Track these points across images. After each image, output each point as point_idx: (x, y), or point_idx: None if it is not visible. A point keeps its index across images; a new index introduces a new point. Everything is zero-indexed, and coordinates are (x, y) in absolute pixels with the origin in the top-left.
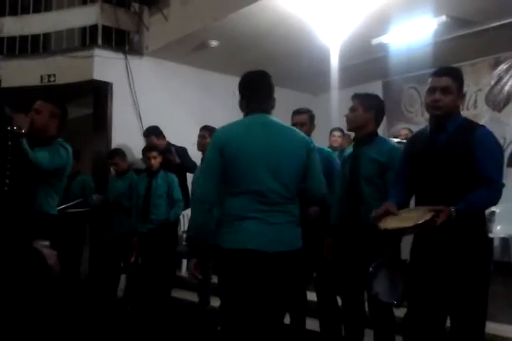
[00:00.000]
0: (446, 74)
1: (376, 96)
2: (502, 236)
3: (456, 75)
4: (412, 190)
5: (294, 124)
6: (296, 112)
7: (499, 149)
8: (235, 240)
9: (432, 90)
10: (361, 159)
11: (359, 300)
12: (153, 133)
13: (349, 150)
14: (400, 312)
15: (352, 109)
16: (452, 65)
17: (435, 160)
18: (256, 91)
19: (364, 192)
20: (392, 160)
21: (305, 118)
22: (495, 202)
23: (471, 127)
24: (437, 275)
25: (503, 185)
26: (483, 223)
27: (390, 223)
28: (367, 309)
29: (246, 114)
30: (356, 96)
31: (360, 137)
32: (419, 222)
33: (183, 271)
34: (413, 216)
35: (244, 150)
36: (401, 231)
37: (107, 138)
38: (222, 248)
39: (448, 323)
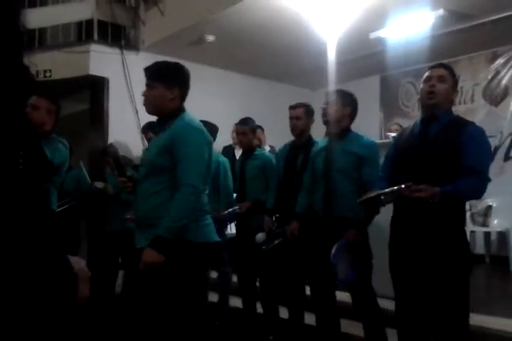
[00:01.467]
0: (442, 66)
1: (352, 94)
2: (499, 230)
3: (452, 70)
4: (393, 182)
5: (290, 118)
6: (292, 107)
7: (488, 146)
8: (205, 234)
9: (427, 79)
10: (337, 153)
11: (330, 291)
12: (150, 128)
13: (320, 144)
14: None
15: (330, 104)
16: (450, 59)
17: (424, 151)
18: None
19: (338, 185)
20: (371, 154)
21: (300, 113)
22: (480, 194)
23: (464, 123)
24: (416, 266)
25: (489, 180)
26: (463, 217)
27: (366, 195)
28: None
29: (180, 109)
30: (336, 92)
31: (335, 131)
32: (395, 188)
33: None
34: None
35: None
36: (376, 200)
37: (104, 134)
38: (193, 242)
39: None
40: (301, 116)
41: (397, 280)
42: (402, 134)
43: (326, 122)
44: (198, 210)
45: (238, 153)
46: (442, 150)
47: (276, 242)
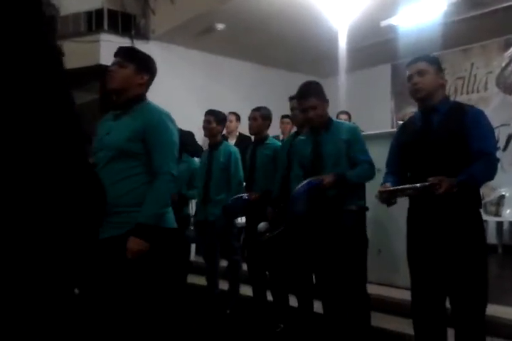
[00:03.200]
0: (418, 60)
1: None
2: (510, 220)
3: (431, 59)
4: (405, 178)
5: (291, 109)
6: (292, 97)
7: (491, 126)
8: (171, 220)
9: (409, 78)
10: (324, 144)
11: (328, 278)
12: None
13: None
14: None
15: (312, 107)
16: (462, 47)
17: (430, 141)
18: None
19: (328, 171)
20: (355, 136)
21: (313, 103)
22: (492, 176)
23: (463, 108)
24: (434, 253)
25: (498, 159)
26: (479, 202)
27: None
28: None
29: (143, 97)
30: (312, 95)
31: (318, 125)
32: (418, 185)
33: (192, 256)
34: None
35: None
36: (397, 192)
37: None
38: (167, 227)
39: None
40: (315, 106)
41: (415, 269)
42: (403, 129)
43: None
44: None
45: (231, 142)
46: (449, 139)
47: (279, 230)
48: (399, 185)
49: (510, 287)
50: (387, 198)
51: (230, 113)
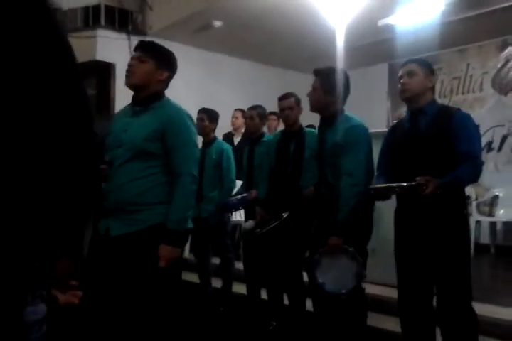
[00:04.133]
0: (410, 61)
1: (336, 73)
2: (504, 220)
3: (422, 61)
4: (395, 179)
5: (282, 110)
6: (283, 97)
7: (477, 129)
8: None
9: (400, 78)
10: (326, 144)
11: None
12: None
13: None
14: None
15: (313, 88)
16: (459, 47)
17: (418, 142)
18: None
19: (329, 178)
20: (348, 139)
21: (292, 103)
22: (476, 178)
23: (450, 111)
24: (420, 250)
25: (482, 162)
26: (464, 202)
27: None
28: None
29: (163, 94)
30: (317, 73)
31: (323, 119)
32: (405, 184)
33: (186, 253)
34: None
35: None
36: (386, 190)
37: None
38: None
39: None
40: (293, 106)
41: (401, 268)
42: (392, 131)
43: (312, 110)
44: None
45: (237, 140)
46: (436, 140)
47: (271, 226)
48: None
49: (503, 287)
50: (379, 195)
51: (236, 109)
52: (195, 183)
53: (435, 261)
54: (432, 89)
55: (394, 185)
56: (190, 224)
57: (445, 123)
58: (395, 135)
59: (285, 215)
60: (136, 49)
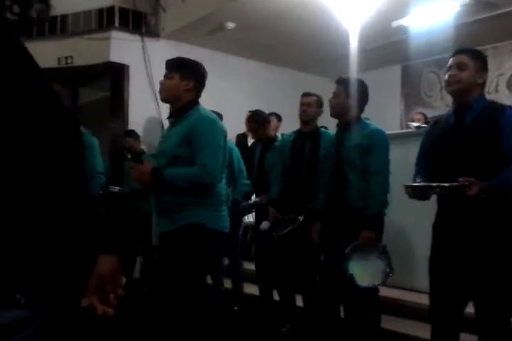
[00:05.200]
0: (462, 52)
1: (360, 82)
2: None
3: (474, 54)
4: (434, 176)
5: (301, 105)
6: (305, 94)
7: None
8: (222, 224)
9: (448, 69)
10: (345, 145)
11: (339, 280)
12: None
13: (333, 136)
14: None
15: (334, 95)
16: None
17: (461, 138)
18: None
19: (348, 176)
20: (373, 142)
21: (311, 100)
22: None
23: (500, 108)
24: (460, 260)
25: None
26: (511, 205)
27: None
28: None
29: (194, 102)
30: (339, 82)
31: (342, 123)
32: (446, 184)
33: None
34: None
35: None
36: (424, 190)
37: (124, 121)
38: (210, 229)
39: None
40: (312, 103)
41: (437, 275)
42: (435, 125)
43: (332, 115)
44: (215, 199)
45: (251, 141)
46: (481, 138)
47: (287, 230)
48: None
49: None
50: (416, 194)
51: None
52: (207, 177)
53: (478, 268)
54: (483, 85)
55: (434, 184)
56: (223, 229)
57: (493, 121)
58: (437, 130)
59: (301, 218)
60: (165, 67)
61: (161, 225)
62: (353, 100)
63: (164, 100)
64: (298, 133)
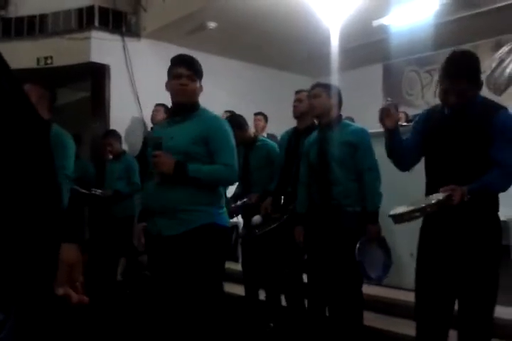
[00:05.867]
0: (461, 74)
1: (334, 85)
2: (502, 219)
3: (470, 63)
4: (418, 156)
5: (293, 102)
6: (298, 91)
7: None
8: (226, 219)
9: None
10: (330, 143)
11: (325, 278)
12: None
13: (312, 136)
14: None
15: (314, 96)
16: (454, 48)
17: (452, 140)
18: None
19: (336, 174)
20: (362, 139)
21: (302, 96)
22: (506, 187)
23: (494, 107)
24: (447, 259)
25: None
26: (496, 206)
27: (398, 209)
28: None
29: (198, 103)
30: (318, 85)
31: (324, 123)
32: (433, 202)
33: None
34: (424, 200)
35: None
36: (415, 213)
37: (105, 121)
38: (223, 226)
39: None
40: (302, 99)
41: (424, 273)
42: (427, 118)
43: (314, 116)
44: (221, 196)
45: None
46: (470, 141)
47: (270, 228)
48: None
49: (500, 286)
50: (405, 220)
51: (257, 114)
52: (232, 176)
53: (465, 266)
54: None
55: (423, 206)
56: (227, 223)
57: (485, 122)
58: (430, 123)
59: (285, 217)
60: (180, 64)
61: (169, 227)
62: (334, 100)
63: (181, 101)
64: (294, 131)
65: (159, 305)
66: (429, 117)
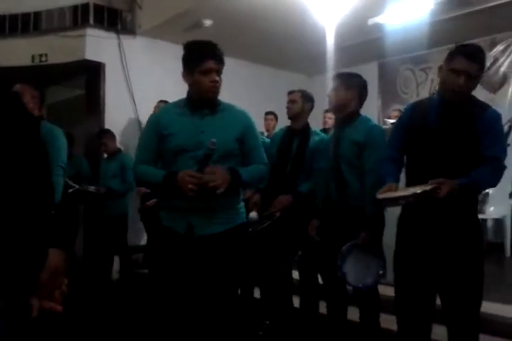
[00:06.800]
0: (477, 59)
1: (358, 76)
2: (495, 217)
3: (483, 62)
4: (402, 164)
5: (286, 103)
6: (290, 92)
7: (503, 131)
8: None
9: (459, 73)
10: (342, 141)
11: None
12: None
13: (332, 131)
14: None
15: (333, 89)
16: (448, 46)
17: (440, 137)
18: None
19: (345, 174)
20: (370, 138)
21: (295, 96)
22: (495, 183)
23: (482, 106)
24: (426, 253)
25: (505, 167)
26: (476, 203)
27: (387, 194)
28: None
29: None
30: (338, 76)
31: (341, 118)
32: (418, 191)
33: None
34: (412, 190)
35: None
36: (396, 201)
37: (100, 120)
38: (245, 224)
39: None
40: (296, 100)
41: (404, 269)
42: (413, 112)
43: (331, 110)
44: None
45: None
46: (461, 135)
47: (264, 225)
48: (397, 181)
49: (493, 283)
50: (390, 205)
51: (269, 113)
52: (267, 174)
53: (446, 263)
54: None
55: (406, 194)
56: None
57: (475, 116)
58: (416, 120)
59: (277, 214)
60: (209, 57)
61: (209, 226)
62: (353, 93)
63: (212, 99)
64: (288, 130)
65: (171, 304)
66: (414, 113)
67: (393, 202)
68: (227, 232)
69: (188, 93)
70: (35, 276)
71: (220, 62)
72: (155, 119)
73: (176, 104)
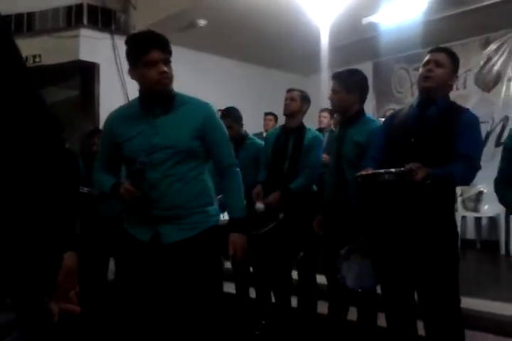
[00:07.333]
0: (441, 50)
1: (357, 73)
2: (490, 215)
3: (453, 55)
4: (384, 164)
5: (285, 100)
6: (288, 90)
7: (481, 134)
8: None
9: (426, 63)
10: (344, 142)
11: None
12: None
13: (336, 131)
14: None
15: (334, 91)
16: (442, 45)
17: (420, 132)
18: None
19: (347, 175)
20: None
21: (295, 95)
22: (469, 180)
23: (460, 109)
24: (402, 252)
25: (479, 167)
26: (452, 201)
27: (364, 171)
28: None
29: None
30: (337, 77)
31: (345, 119)
32: (393, 170)
33: None
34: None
35: None
36: (374, 177)
37: (95, 120)
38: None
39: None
40: (295, 98)
41: (382, 265)
42: (394, 116)
43: (335, 112)
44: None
45: None
46: (437, 134)
47: (268, 228)
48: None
49: (488, 281)
50: (367, 182)
51: (268, 113)
52: (240, 176)
53: (421, 259)
54: (451, 87)
55: (382, 171)
56: None
57: (451, 120)
58: (397, 121)
59: (281, 216)
60: (152, 47)
61: (169, 234)
62: (354, 95)
63: (163, 92)
64: (282, 129)
65: (151, 311)
66: (395, 115)
67: (371, 179)
68: (197, 237)
69: (139, 91)
70: (52, 281)
71: (166, 51)
72: (108, 127)
73: (129, 105)
